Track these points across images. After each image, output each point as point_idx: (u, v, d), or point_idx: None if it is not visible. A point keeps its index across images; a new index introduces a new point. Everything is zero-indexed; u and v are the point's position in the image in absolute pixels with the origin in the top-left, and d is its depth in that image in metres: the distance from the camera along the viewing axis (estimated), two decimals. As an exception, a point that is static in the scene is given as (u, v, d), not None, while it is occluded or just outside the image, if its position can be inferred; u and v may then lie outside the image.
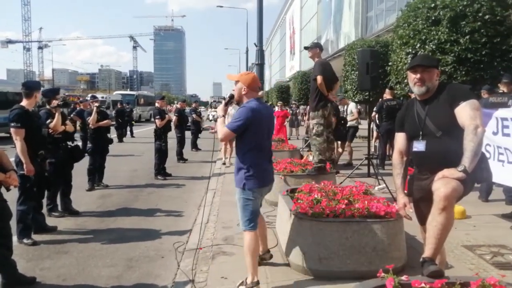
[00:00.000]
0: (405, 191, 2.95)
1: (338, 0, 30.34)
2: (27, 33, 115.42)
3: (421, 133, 2.77)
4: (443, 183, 2.38)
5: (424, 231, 2.94)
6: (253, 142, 3.29)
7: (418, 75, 2.79)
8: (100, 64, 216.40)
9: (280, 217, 4.44)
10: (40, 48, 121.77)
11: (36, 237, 4.84)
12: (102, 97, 32.56)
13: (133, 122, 21.16)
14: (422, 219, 2.90)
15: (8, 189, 3.24)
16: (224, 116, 3.50)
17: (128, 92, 45.01)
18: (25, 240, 4.63)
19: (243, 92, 3.37)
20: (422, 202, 2.86)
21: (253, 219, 3.33)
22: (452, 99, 2.63)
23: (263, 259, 3.77)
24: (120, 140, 18.11)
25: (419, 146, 2.79)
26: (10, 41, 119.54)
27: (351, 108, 10.56)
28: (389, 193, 6.46)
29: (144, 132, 21.40)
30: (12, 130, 4.60)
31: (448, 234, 2.44)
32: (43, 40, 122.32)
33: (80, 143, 7.81)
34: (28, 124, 4.65)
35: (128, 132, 20.08)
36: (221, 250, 4.31)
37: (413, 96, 3.03)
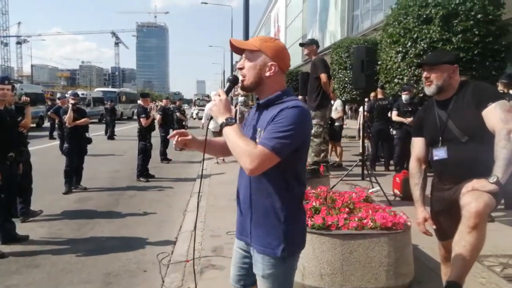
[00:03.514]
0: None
1: (324, -2, 30.18)
2: (5, 27, 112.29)
3: (441, 138, 2.47)
4: (474, 197, 2.07)
5: (443, 248, 2.65)
6: (298, 171, 1.83)
7: (425, 74, 2.51)
8: (81, 60, 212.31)
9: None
10: (18, 43, 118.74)
11: (4, 248, 4.39)
12: (83, 94, 31.68)
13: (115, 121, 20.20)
14: (442, 235, 2.60)
15: None
16: (235, 120, 1.78)
17: (110, 89, 43.98)
18: (-9, 252, 4.17)
19: (269, 73, 1.78)
20: (442, 215, 2.55)
21: None
22: (478, 100, 2.32)
23: None
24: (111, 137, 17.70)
25: (440, 153, 2.48)
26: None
27: (336, 105, 10.29)
28: (384, 196, 6.19)
29: (126, 131, 20.75)
30: (-23, 130, 4.14)
31: (478, 255, 2.13)
32: (21, 35, 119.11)
33: (58, 142, 7.37)
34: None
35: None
36: (210, 263, 3.94)
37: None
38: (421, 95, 8.72)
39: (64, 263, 4.10)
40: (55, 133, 13.42)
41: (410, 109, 7.94)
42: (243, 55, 1.84)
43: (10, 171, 4.43)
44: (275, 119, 1.68)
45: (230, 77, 1.95)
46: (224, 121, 1.75)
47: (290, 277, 1.86)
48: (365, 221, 3.26)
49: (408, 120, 7.92)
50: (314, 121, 5.80)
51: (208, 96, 38.30)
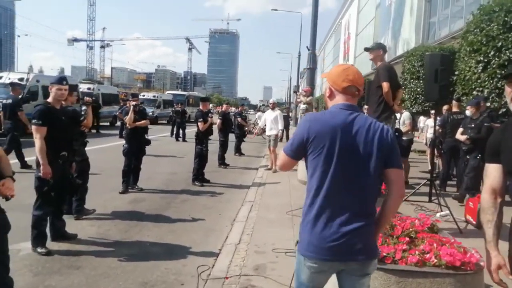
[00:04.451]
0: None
1: (399, 5, 28.84)
2: (91, 32, 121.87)
3: None
4: None
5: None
6: (317, 174, 2.00)
7: None
8: (157, 64, 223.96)
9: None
10: (102, 47, 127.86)
11: (52, 245, 4.45)
12: (154, 96, 33.18)
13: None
14: (524, 286, 2.07)
15: (6, 199, 2.77)
16: None
17: (179, 92, 45.69)
18: (38, 249, 4.23)
19: (327, 95, 2.18)
20: (524, 262, 2.03)
21: None
22: None
23: None
24: (176, 139, 18.00)
25: None
26: (75, 40, 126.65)
27: (404, 118, 9.53)
28: (454, 222, 5.50)
29: (192, 133, 21.22)
30: (32, 127, 4.23)
31: None
32: (105, 40, 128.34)
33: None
34: (51, 122, 4.26)
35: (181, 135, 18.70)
36: (250, 283, 3.65)
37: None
38: (502, 110, 7.78)
39: (105, 267, 4.03)
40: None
41: (472, 125, 7.09)
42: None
43: (63, 170, 4.48)
44: None
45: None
46: None
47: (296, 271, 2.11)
48: (427, 255, 2.78)
49: (462, 137, 7.18)
50: None
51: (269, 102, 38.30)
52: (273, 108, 11.17)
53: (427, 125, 11.68)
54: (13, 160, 9.40)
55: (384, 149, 1.98)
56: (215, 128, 9.97)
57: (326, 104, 2.17)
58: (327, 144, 1.95)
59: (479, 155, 7.01)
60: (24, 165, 8.72)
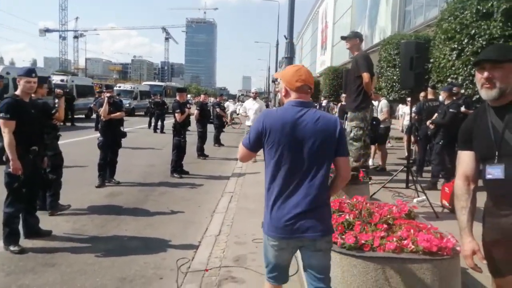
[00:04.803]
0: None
1: (375, -7, 29.03)
2: (64, 22, 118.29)
3: (497, 153, 1.98)
4: None
5: (498, 286, 2.16)
6: (271, 162, 2.25)
7: (486, 74, 2.00)
8: (133, 54, 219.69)
9: (302, 239, 3.70)
10: (75, 37, 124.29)
11: (26, 243, 4.31)
12: (131, 87, 32.56)
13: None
14: (496, 270, 2.11)
15: None
16: None
17: (157, 83, 44.95)
18: (11, 247, 4.09)
19: (282, 93, 2.40)
20: (497, 247, 2.06)
21: (271, 270, 2.34)
22: None
23: None
24: (154, 131, 17.79)
25: (495, 171, 1.99)
26: (48, 30, 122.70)
27: (381, 106, 9.64)
28: (430, 207, 5.61)
29: (170, 125, 20.94)
30: (0, 121, 4.06)
31: None
32: (78, 30, 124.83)
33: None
34: (19, 115, 4.09)
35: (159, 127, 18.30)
36: (230, 274, 3.62)
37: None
38: (476, 96, 7.94)
39: (81, 263, 3.93)
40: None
41: (440, 111, 7.31)
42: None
43: (34, 165, 4.33)
44: None
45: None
46: None
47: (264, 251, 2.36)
48: (405, 242, 2.81)
49: (428, 122, 7.51)
50: (353, 123, 5.28)
51: (250, 92, 38.23)
52: (254, 98, 10.98)
53: (404, 113, 11.85)
54: None
55: (332, 140, 2.24)
56: (192, 119, 9.85)
57: (283, 102, 2.38)
58: (279, 137, 2.19)
59: (441, 141, 7.18)
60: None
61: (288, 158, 2.19)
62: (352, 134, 5.25)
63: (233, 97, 71.95)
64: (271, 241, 2.24)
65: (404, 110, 12.31)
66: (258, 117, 2.37)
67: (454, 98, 7.33)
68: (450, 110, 7.01)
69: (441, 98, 7.68)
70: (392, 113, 12.69)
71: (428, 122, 7.61)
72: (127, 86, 33.97)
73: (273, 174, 2.23)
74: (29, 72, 4.26)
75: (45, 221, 4.88)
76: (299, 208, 2.17)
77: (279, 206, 2.20)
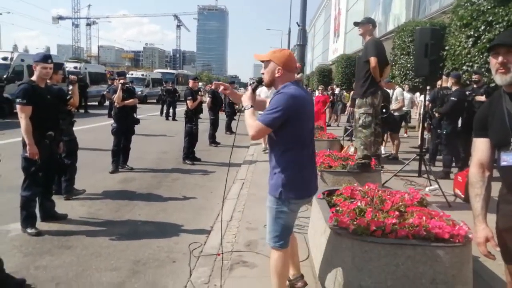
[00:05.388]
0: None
1: (389, -21, 28.44)
2: (76, 9, 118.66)
3: None
4: None
5: (511, 273, 2.16)
6: (295, 138, 2.56)
7: (500, 59, 1.97)
8: (145, 42, 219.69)
9: (314, 225, 3.72)
10: (88, 25, 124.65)
11: (42, 225, 4.43)
12: (143, 75, 32.69)
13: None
14: (510, 257, 2.11)
15: None
16: (252, 106, 2.63)
17: (168, 70, 45.06)
18: (28, 230, 4.20)
19: (277, 74, 2.59)
20: (511, 234, 2.06)
21: (284, 236, 2.66)
22: None
23: (293, 285, 3.00)
24: (166, 118, 18.00)
25: (510, 158, 1.98)
26: (60, 17, 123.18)
27: (397, 94, 9.54)
28: (443, 196, 5.57)
29: (182, 112, 21.04)
30: (17, 107, 4.13)
31: None
32: (91, 17, 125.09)
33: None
34: (35, 101, 4.16)
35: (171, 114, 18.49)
36: (242, 259, 3.67)
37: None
38: (491, 85, 7.80)
39: (96, 246, 4.02)
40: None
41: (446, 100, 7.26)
42: (264, 64, 2.69)
43: (50, 150, 4.41)
44: (270, 102, 2.56)
45: (257, 78, 2.79)
46: (244, 106, 2.65)
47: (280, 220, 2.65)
48: (417, 228, 2.81)
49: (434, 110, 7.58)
50: (361, 110, 5.20)
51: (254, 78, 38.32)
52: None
53: (421, 101, 11.74)
54: (14, 139, 9.28)
55: None
56: (205, 106, 9.87)
57: (274, 83, 2.64)
58: (307, 114, 2.62)
59: (445, 130, 7.13)
60: None
61: (308, 130, 2.64)
62: (360, 121, 5.19)
63: (244, 85, 71.67)
64: (297, 203, 2.64)
65: (421, 98, 12.18)
66: (285, 96, 2.48)
67: (475, 86, 7.26)
68: (451, 98, 6.93)
69: (448, 84, 7.56)
70: (412, 101, 12.58)
71: (434, 110, 7.57)
72: (139, 73, 34.11)
73: (302, 144, 2.58)
74: (45, 58, 4.31)
75: (61, 205, 4.99)
76: (314, 174, 2.75)
77: (308, 172, 2.63)
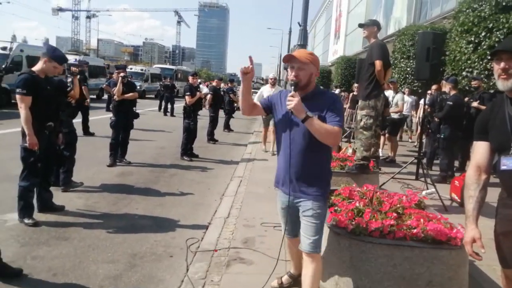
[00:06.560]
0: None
1: (391, -17, 28.50)
2: (77, 1, 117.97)
3: None
4: None
5: (507, 277, 2.19)
6: None
7: (502, 64, 1.99)
8: (145, 37, 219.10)
9: (312, 224, 3.73)
10: (88, 17, 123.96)
11: (39, 216, 4.42)
12: (142, 70, 32.58)
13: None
14: (507, 261, 2.13)
15: None
16: (309, 116, 2.37)
17: (167, 66, 44.94)
18: (25, 220, 4.19)
19: (314, 77, 2.63)
20: (509, 238, 2.08)
21: None
22: None
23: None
24: (165, 114, 17.94)
25: (510, 162, 2.00)
26: (60, 9, 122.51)
27: (397, 99, 9.57)
28: (439, 200, 5.60)
29: (181, 108, 21.01)
30: (17, 97, 4.12)
31: None
32: (91, 10, 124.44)
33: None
34: (35, 91, 4.15)
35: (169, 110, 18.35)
36: (239, 255, 3.68)
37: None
38: (491, 91, 7.84)
39: (93, 238, 4.03)
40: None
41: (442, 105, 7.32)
42: (297, 65, 2.54)
43: (49, 141, 4.40)
44: (332, 105, 2.52)
45: (294, 82, 2.53)
46: (311, 115, 2.40)
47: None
48: (414, 230, 2.83)
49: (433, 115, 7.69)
50: (363, 112, 5.23)
51: (262, 79, 38.13)
52: (273, 85, 9.56)
53: (421, 104, 11.80)
54: (12, 129, 9.23)
55: None
56: (206, 104, 9.87)
57: (308, 85, 2.59)
58: None
59: (442, 135, 7.19)
60: None
61: None
62: (362, 123, 5.22)
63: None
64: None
65: (421, 102, 12.24)
66: (339, 99, 2.69)
67: (475, 91, 7.32)
68: (448, 103, 7.00)
69: (446, 89, 7.59)
70: (415, 104, 12.64)
71: (433, 115, 7.64)
72: (138, 68, 33.98)
73: None
74: (62, 60, 4.36)
75: (58, 197, 4.99)
76: None
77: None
